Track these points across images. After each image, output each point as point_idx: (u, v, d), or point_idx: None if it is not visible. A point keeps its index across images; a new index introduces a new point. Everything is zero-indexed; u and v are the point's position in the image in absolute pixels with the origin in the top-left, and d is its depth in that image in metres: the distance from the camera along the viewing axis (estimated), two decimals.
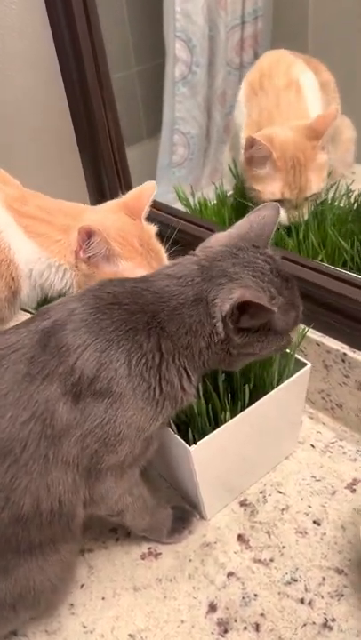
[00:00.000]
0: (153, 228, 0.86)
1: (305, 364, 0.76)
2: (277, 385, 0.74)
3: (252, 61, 1.80)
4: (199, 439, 0.68)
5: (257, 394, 0.73)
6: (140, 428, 0.60)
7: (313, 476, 0.81)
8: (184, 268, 0.62)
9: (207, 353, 0.61)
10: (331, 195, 1.05)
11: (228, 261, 0.60)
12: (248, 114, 1.10)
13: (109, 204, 0.88)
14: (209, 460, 0.71)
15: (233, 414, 0.70)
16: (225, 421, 0.70)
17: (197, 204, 1.11)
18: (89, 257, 0.78)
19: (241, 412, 0.71)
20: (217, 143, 1.86)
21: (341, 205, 1.04)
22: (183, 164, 1.77)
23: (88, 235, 0.76)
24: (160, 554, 0.75)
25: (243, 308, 0.57)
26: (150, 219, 0.87)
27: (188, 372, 0.61)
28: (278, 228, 1.01)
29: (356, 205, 1.03)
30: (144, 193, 0.86)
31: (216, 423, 0.71)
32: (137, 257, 0.79)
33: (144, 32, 1.62)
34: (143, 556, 0.75)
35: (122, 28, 1.59)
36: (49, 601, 0.67)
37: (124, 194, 0.88)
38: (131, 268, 0.78)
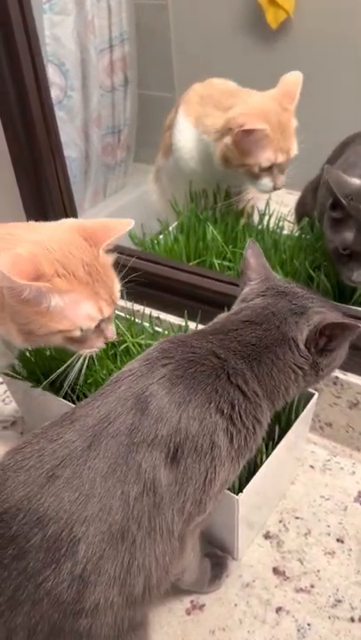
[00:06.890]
0: (109, 258, 0.76)
1: (312, 393, 0.80)
2: (295, 416, 0.78)
3: (122, 83, 1.85)
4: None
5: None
6: (227, 481, 0.60)
7: (322, 496, 0.86)
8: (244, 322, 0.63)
9: (295, 387, 0.63)
10: (266, 223, 1.11)
11: (284, 300, 0.62)
12: (196, 120, 1.12)
13: (66, 224, 0.76)
14: (247, 503, 0.72)
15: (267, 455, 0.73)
16: (261, 464, 0.72)
17: (150, 243, 1.11)
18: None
19: (272, 450, 0.73)
20: (97, 165, 1.87)
21: (286, 233, 1.11)
22: None
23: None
24: (204, 605, 0.74)
25: (324, 331, 0.60)
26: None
27: (266, 418, 0.62)
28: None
29: (302, 235, 1.09)
30: (115, 227, 0.75)
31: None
32: (78, 287, 0.71)
33: None
34: (188, 612, 0.74)
35: None
36: None
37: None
38: (70, 301, 0.70)
